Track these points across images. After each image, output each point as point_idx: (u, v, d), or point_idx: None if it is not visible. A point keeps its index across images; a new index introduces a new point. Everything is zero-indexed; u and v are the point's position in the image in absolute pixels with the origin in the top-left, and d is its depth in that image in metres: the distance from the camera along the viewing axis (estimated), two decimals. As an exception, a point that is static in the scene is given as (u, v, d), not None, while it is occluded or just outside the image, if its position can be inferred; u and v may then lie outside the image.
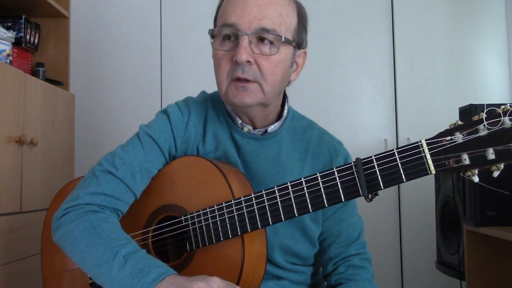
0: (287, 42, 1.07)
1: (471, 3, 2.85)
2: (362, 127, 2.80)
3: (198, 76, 2.72)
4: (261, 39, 1.05)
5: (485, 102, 2.06)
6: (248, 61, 1.04)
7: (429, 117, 2.75)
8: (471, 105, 1.98)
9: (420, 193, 2.64)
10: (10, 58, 1.95)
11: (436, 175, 2.32)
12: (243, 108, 1.10)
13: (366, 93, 2.81)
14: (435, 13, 2.84)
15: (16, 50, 2.06)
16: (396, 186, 2.74)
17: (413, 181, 0.90)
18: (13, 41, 2.00)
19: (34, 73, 2.17)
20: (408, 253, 2.73)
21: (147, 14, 2.82)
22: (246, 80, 1.06)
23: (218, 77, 1.10)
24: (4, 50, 1.91)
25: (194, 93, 1.26)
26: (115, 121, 2.77)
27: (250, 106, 1.09)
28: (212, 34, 1.11)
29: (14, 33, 2.03)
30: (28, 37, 2.12)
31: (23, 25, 2.09)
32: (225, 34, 1.07)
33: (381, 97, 2.80)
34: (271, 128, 1.16)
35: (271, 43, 1.06)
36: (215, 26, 1.13)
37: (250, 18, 1.04)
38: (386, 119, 2.80)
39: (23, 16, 2.09)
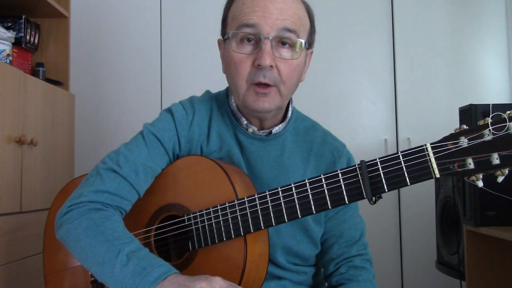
0: (305, 46, 1.08)
1: (471, 3, 2.85)
2: (362, 127, 2.80)
3: (198, 75, 2.73)
4: (283, 43, 1.06)
5: (485, 102, 2.06)
6: (271, 66, 1.04)
7: (429, 117, 2.76)
8: (471, 105, 1.98)
9: (420, 193, 2.64)
10: (10, 58, 1.95)
11: (436, 175, 2.32)
12: (262, 113, 1.10)
13: (366, 93, 2.81)
14: (435, 13, 2.84)
15: (16, 50, 2.06)
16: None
17: (414, 181, 0.89)
18: (13, 41, 1.99)
19: (34, 73, 2.16)
20: (408, 253, 2.73)
21: (147, 14, 2.82)
22: (267, 85, 1.05)
23: (236, 80, 1.08)
24: (4, 50, 1.90)
25: (194, 93, 1.25)
26: (115, 121, 2.77)
27: (270, 112, 1.09)
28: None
29: (14, 33, 2.02)
30: (28, 37, 2.12)
31: (23, 25, 2.08)
32: (244, 37, 1.06)
33: (381, 97, 2.81)
34: (275, 129, 1.16)
35: (291, 46, 1.06)
36: (224, 27, 1.12)
37: (272, 20, 1.04)
38: (386, 119, 2.80)
39: (23, 16, 2.08)
